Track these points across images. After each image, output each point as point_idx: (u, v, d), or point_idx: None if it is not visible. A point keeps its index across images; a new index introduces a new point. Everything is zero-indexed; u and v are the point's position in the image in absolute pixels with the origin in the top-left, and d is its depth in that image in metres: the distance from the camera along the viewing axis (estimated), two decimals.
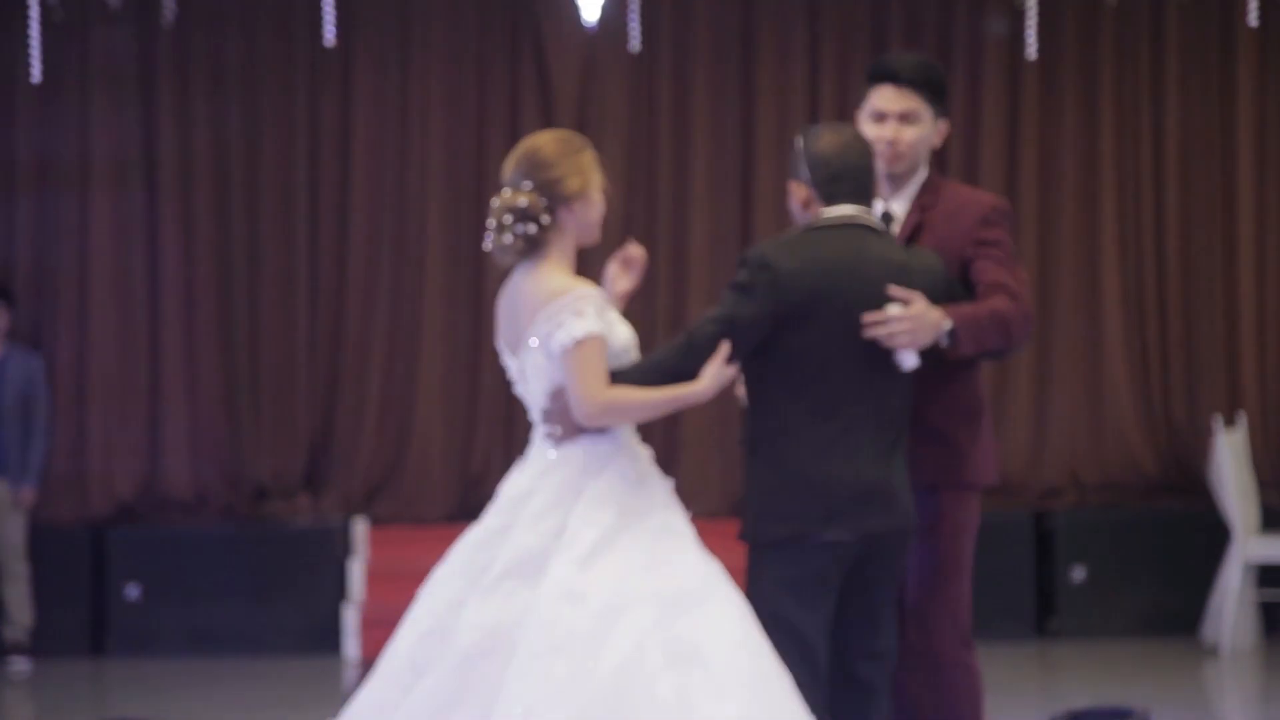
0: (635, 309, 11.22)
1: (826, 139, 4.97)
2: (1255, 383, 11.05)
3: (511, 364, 4.73)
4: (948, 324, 4.71)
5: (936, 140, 5.10)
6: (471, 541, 4.61)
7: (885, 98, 5.04)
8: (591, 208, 4.87)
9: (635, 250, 4.99)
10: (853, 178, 4.89)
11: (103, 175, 10.97)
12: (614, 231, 11.35)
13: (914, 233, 5.01)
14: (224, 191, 11.06)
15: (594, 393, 4.53)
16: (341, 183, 11.13)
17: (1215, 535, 10.22)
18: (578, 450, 4.61)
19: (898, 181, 5.07)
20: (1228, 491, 10.02)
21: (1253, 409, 10.94)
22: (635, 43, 11.15)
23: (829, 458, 4.73)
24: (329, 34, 11.04)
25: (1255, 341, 11.08)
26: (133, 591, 10.56)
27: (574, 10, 11.10)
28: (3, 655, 10.23)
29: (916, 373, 4.78)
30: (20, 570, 10.24)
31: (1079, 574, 10.53)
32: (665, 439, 11.05)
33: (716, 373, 4.63)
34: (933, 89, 5.06)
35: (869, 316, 4.68)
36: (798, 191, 4.97)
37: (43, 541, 10.45)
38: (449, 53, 11.14)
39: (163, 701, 9.07)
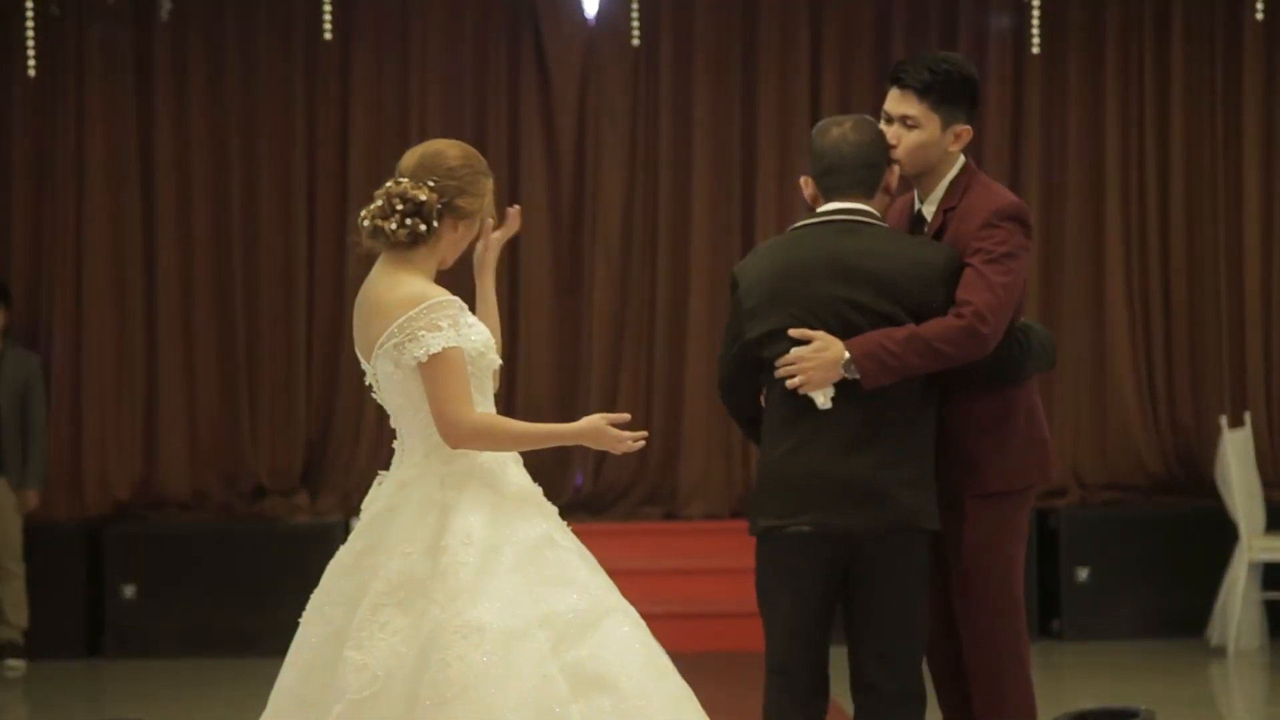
0: (635, 305, 11.23)
1: (824, 132, 4.98)
2: (1261, 382, 11.00)
3: (366, 369, 4.56)
4: (845, 355, 4.71)
5: (952, 146, 4.95)
6: (339, 566, 4.42)
7: (890, 100, 4.97)
8: (471, 232, 4.61)
9: (514, 211, 4.85)
10: (845, 171, 4.89)
11: (99, 171, 10.92)
12: (614, 230, 11.35)
13: (937, 236, 4.95)
14: (221, 188, 11.02)
15: (461, 413, 4.33)
16: (340, 179, 11.09)
17: (1221, 535, 10.17)
18: (436, 464, 4.42)
19: (922, 183, 5.00)
20: (1233, 491, 9.97)
21: (1258, 408, 10.88)
22: (635, 37, 11.10)
23: (801, 455, 4.82)
24: (327, 29, 10.99)
25: (1261, 340, 11.02)
26: (129, 591, 10.51)
27: (574, 4, 11.06)
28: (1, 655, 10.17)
29: (942, 383, 4.84)
30: (16, 570, 10.18)
31: (1083, 574, 10.48)
32: (665, 439, 11.00)
33: (597, 423, 4.45)
34: (943, 95, 4.91)
35: (779, 362, 4.78)
36: (805, 187, 5.03)
37: (39, 540, 10.40)
38: (448, 47, 11.09)
39: (159, 701, 9.03)
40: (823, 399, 4.76)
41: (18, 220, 10.95)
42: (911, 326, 4.73)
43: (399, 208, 4.48)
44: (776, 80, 11.09)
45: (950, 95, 4.91)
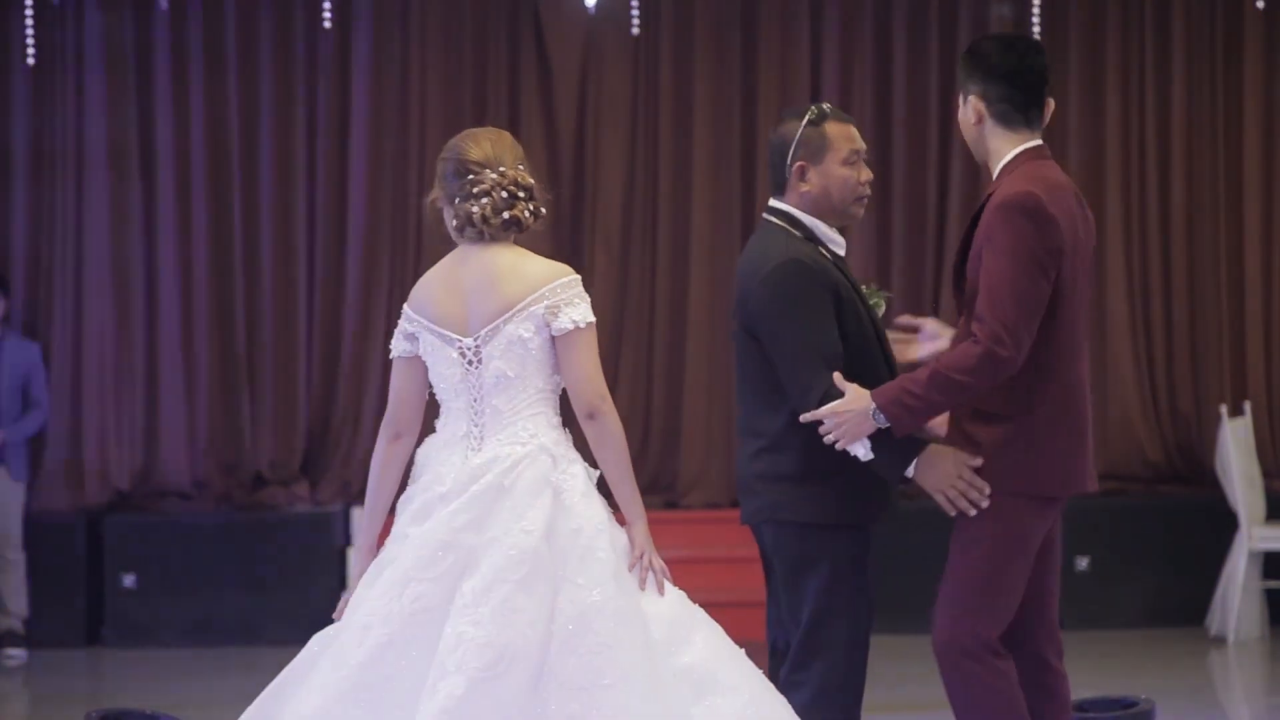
0: (636, 294, 11.21)
1: (784, 125, 5.11)
2: (1261, 371, 10.99)
3: (461, 342, 4.50)
4: (872, 405, 4.68)
5: (974, 122, 4.86)
6: (429, 541, 4.34)
7: None
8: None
9: None
10: (772, 170, 5.04)
11: (99, 160, 10.91)
12: (614, 220, 11.34)
13: (973, 227, 4.81)
14: (221, 177, 11.00)
15: (601, 381, 4.50)
16: (340, 167, 11.08)
17: (1221, 524, 10.17)
18: (548, 443, 4.48)
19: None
20: (1233, 480, 9.97)
21: (1258, 397, 10.88)
22: (635, 26, 11.09)
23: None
24: (326, 17, 10.97)
25: (1261, 329, 11.02)
26: (129, 580, 10.51)
27: None
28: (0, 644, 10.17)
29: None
30: (16, 559, 10.17)
31: (1083, 563, 10.47)
32: (665, 431, 11.01)
33: (645, 541, 4.70)
34: (964, 75, 4.89)
35: (815, 415, 4.77)
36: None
37: (39, 530, 10.39)
38: (448, 36, 11.08)
39: (159, 691, 9.03)
40: (863, 451, 4.76)
41: (17, 209, 10.94)
42: (935, 363, 4.66)
43: (521, 195, 4.54)
44: (777, 70, 11.07)
45: (966, 72, 4.89)
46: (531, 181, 4.56)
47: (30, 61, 10.90)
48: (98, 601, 10.56)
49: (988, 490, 4.68)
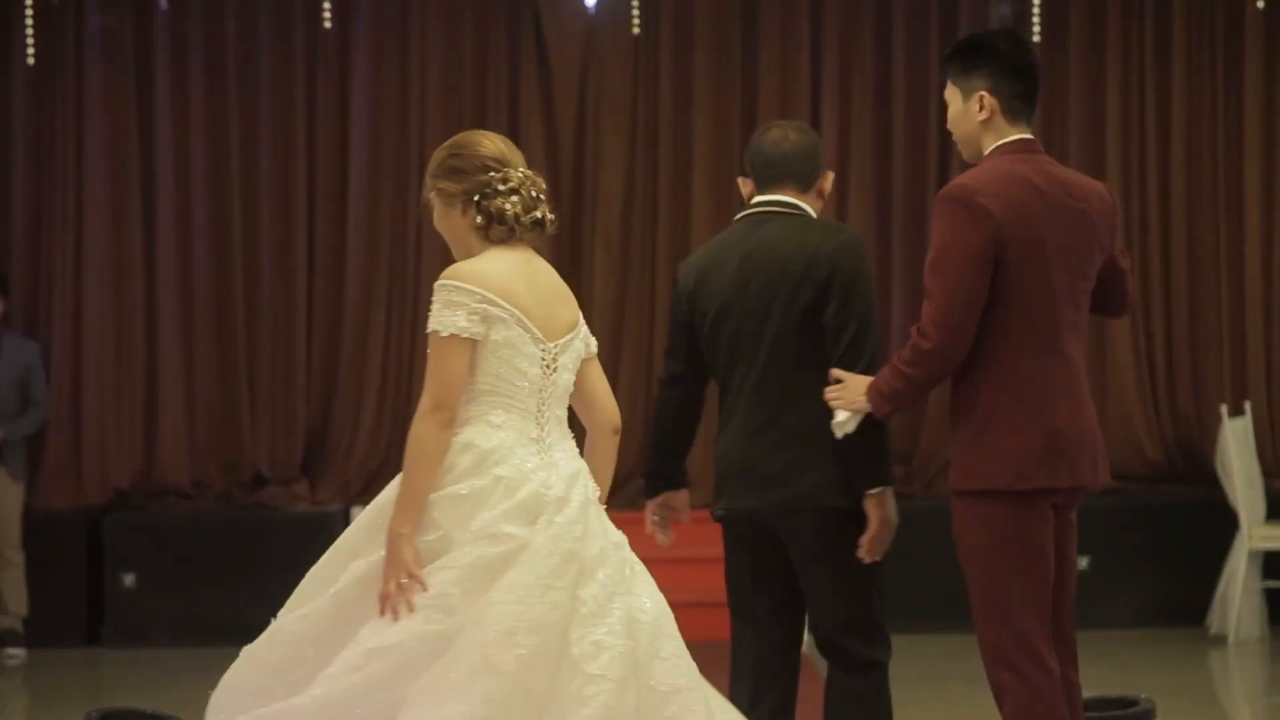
0: (635, 294, 11.21)
1: (765, 132, 5.38)
2: (1261, 370, 10.99)
3: (543, 348, 4.44)
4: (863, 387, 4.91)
5: (979, 115, 4.80)
6: (561, 550, 4.23)
7: None
8: None
9: None
10: (783, 164, 5.27)
11: (99, 159, 10.90)
12: (615, 218, 11.34)
13: None
14: (221, 176, 11.00)
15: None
16: (340, 167, 11.08)
17: (1221, 524, 10.16)
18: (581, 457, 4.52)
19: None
20: (1233, 480, 9.96)
21: (1259, 397, 10.87)
22: (635, 25, 11.09)
23: (721, 440, 5.22)
24: (326, 16, 10.97)
25: (1262, 328, 11.01)
26: (129, 579, 10.50)
27: None
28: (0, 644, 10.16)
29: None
30: (16, 559, 10.17)
31: (1083, 563, 10.46)
32: None
33: None
34: (958, 68, 4.85)
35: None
36: (743, 186, 5.43)
37: (38, 529, 10.39)
38: (448, 36, 11.07)
39: (158, 690, 9.02)
40: (841, 419, 4.95)
41: (17, 208, 10.94)
42: (895, 354, 4.79)
43: (542, 197, 4.54)
44: (777, 67, 11.06)
45: (964, 65, 4.84)
46: (544, 185, 4.56)
47: (30, 61, 10.89)
48: (97, 600, 10.56)
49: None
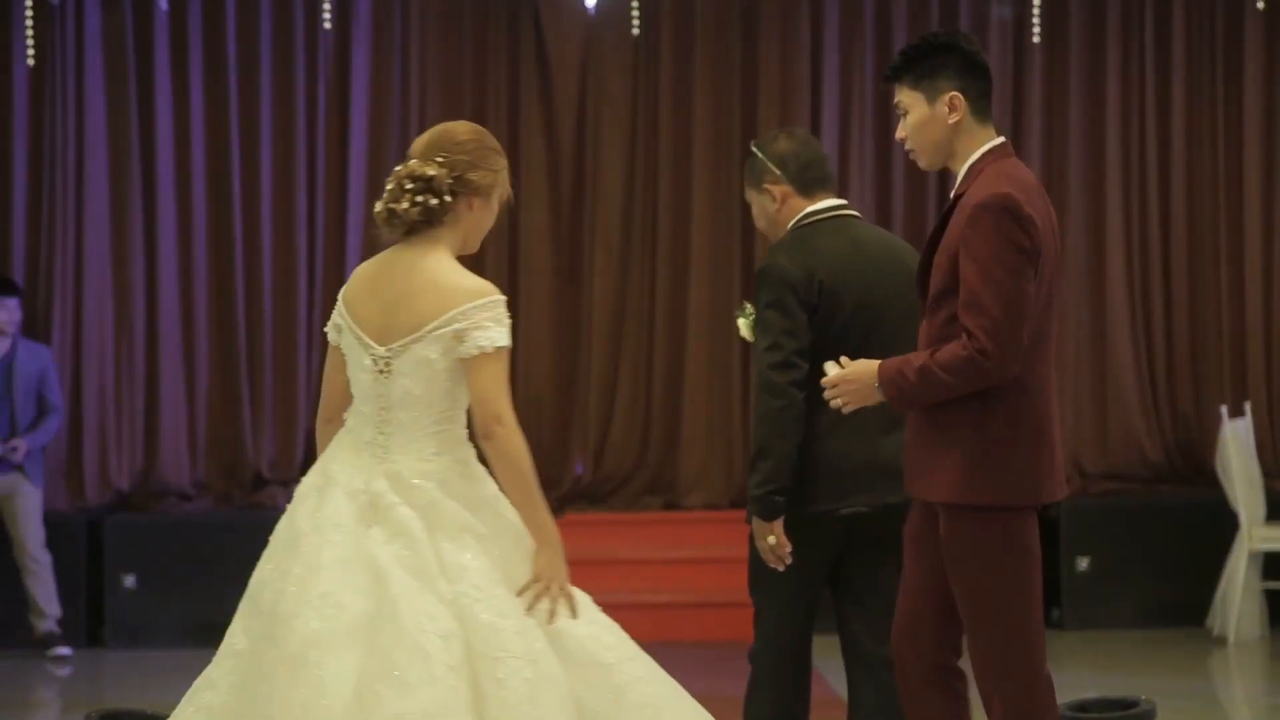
0: (636, 293, 11.20)
1: (782, 138, 5.35)
2: (1262, 371, 10.99)
3: (374, 350, 4.43)
4: (875, 380, 4.63)
5: (951, 118, 4.66)
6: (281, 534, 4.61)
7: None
8: (489, 213, 4.56)
9: None
10: (824, 165, 5.30)
11: (99, 160, 10.90)
12: (615, 216, 11.33)
13: (941, 227, 4.65)
14: (221, 177, 11.00)
15: (509, 409, 4.33)
16: (340, 167, 11.08)
17: (1221, 525, 10.16)
18: (450, 462, 4.45)
19: (953, 170, 4.72)
20: (1234, 481, 9.96)
21: (1259, 398, 10.88)
22: (635, 26, 11.09)
23: (836, 439, 5.14)
24: (326, 17, 10.97)
25: (1262, 329, 11.02)
26: (129, 581, 10.50)
27: None
28: (42, 647, 10.12)
29: None
30: (44, 560, 10.16)
31: (1083, 564, 10.47)
32: (666, 430, 10.99)
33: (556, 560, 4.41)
34: (918, 72, 4.69)
35: (823, 382, 4.74)
36: (775, 190, 5.28)
37: None
38: (448, 36, 11.08)
39: (160, 691, 9.00)
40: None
41: (17, 208, 10.94)
42: (930, 355, 4.53)
43: (408, 187, 4.42)
44: (777, 68, 11.06)
45: (925, 69, 4.69)
46: (432, 173, 4.42)
47: (30, 61, 10.89)
48: (98, 601, 10.56)
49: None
